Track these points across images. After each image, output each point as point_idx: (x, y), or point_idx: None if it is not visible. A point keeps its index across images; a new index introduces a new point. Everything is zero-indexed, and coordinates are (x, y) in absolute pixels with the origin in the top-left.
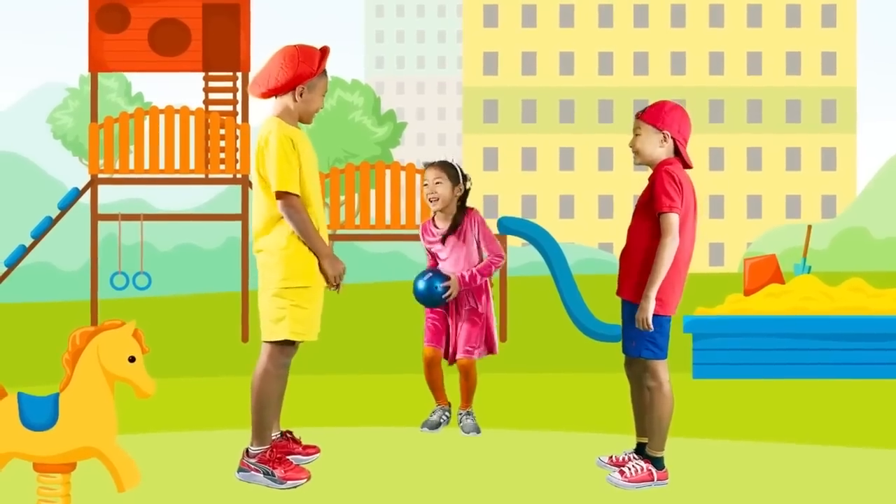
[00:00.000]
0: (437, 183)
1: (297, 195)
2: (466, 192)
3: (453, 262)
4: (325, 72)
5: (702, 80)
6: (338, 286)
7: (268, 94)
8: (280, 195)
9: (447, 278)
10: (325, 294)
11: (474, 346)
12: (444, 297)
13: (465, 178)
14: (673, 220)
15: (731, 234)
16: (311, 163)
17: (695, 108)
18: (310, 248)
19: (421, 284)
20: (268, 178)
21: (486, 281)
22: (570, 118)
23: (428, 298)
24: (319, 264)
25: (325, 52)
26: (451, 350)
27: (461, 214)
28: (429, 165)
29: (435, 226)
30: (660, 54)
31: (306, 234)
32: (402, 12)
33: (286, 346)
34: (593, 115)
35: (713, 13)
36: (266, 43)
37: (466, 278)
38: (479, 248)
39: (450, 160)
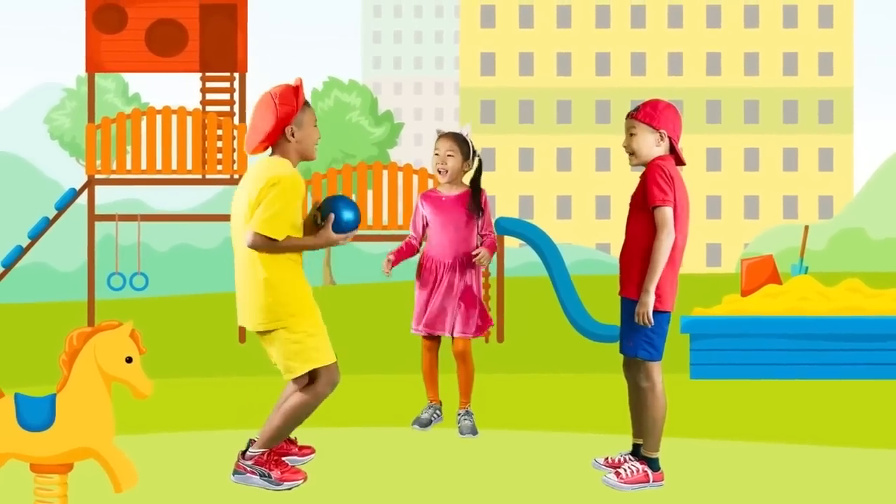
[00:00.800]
0: (449, 155)
1: (274, 239)
2: (480, 170)
3: (450, 231)
4: (306, 103)
5: (699, 80)
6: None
7: (262, 147)
8: (259, 237)
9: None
10: (323, 294)
11: (472, 328)
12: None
13: (474, 153)
14: (667, 213)
15: (728, 234)
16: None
17: (692, 109)
18: (307, 248)
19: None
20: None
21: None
22: (568, 119)
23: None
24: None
25: (297, 86)
26: (441, 330)
27: (477, 196)
28: (442, 135)
29: (439, 193)
30: (657, 55)
31: (290, 247)
32: (400, 13)
33: (332, 366)
34: (590, 115)
35: (710, 14)
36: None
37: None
38: (477, 228)
39: (464, 134)
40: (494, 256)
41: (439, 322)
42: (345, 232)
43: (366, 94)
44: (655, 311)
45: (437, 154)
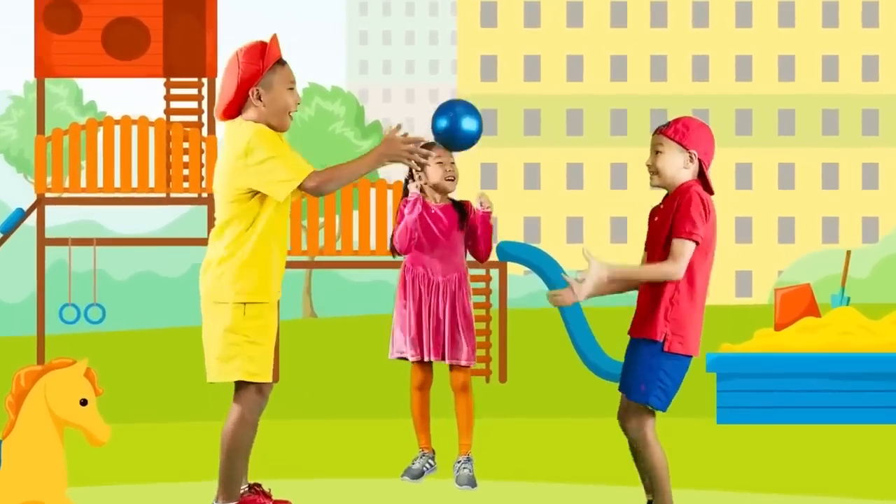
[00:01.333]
0: (452, 163)
1: (315, 171)
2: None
3: (443, 244)
4: (281, 61)
5: (727, 87)
6: (421, 155)
7: (227, 114)
8: (307, 186)
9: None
10: (302, 328)
11: (472, 356)
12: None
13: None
14: (687, 249)
15: (760, 260)
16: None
17: (719, 119)
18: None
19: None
20: (260, 187)
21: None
22: (579, 130)
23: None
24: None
25: (271, 42)
26: (436, 354)
27: (461, 206)
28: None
29: (428, 203)
30: (680, 57)
31: (352, 172)
32: (389, 10)
33: (263, 386)
34: (605, 126)
35: (740, 11)
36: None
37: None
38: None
39: None
40: (495, 284)
41: (435, 345)
42: (459, 143)
43: (351, 103)
44: (676, 355)
45: (440, 163)
